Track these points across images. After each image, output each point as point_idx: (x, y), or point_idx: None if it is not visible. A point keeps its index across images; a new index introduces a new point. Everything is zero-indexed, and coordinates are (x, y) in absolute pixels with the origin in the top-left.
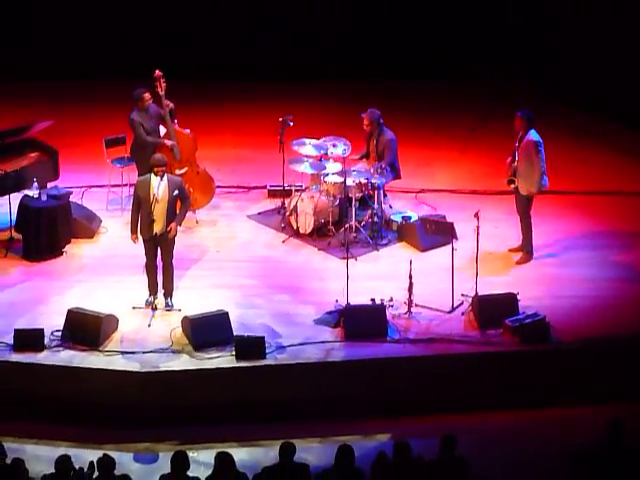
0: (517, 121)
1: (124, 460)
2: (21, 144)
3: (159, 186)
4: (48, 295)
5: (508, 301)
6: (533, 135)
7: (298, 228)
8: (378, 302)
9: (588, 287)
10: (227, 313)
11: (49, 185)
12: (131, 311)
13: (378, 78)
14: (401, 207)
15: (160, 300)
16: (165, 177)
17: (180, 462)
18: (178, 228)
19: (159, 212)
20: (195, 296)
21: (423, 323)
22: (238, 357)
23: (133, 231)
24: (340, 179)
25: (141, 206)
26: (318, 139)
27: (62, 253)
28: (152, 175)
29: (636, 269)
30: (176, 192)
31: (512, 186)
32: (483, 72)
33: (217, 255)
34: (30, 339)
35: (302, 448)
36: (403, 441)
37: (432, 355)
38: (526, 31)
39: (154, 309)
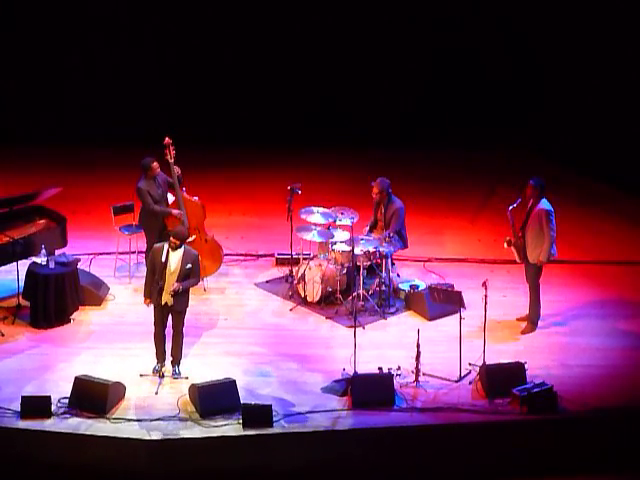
0: (529, 189)
1: None
2: (29, 211)
3: (173, 256)
4: (55, 362)
5: (516, 370)
6: (545, 204)
7: (306, 296)
8: (385, 371)
9: (597, 356)
10: (234, 381)
11: (57, 252)
12: (138, 379)
13: (390, 147)
14: (409, 276)
15: (168, 368)
16: (182, 249)
17: None
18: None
19: (169, 283)
20: (203, 364)
21: (430, 392)
22: (245, 425)
23: (146, 295)
24: (348, 248)
25: (155, 272)
26: (327, 208)
27: (70, 320)
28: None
29: None
30: (189, 266)
31: (506, 246)
32: (494, 141)
33: (225, 323)
34: (37, 406)
35: None
36: None
37: (439, 424)
38: (537, 100)
39: (161, 377)
